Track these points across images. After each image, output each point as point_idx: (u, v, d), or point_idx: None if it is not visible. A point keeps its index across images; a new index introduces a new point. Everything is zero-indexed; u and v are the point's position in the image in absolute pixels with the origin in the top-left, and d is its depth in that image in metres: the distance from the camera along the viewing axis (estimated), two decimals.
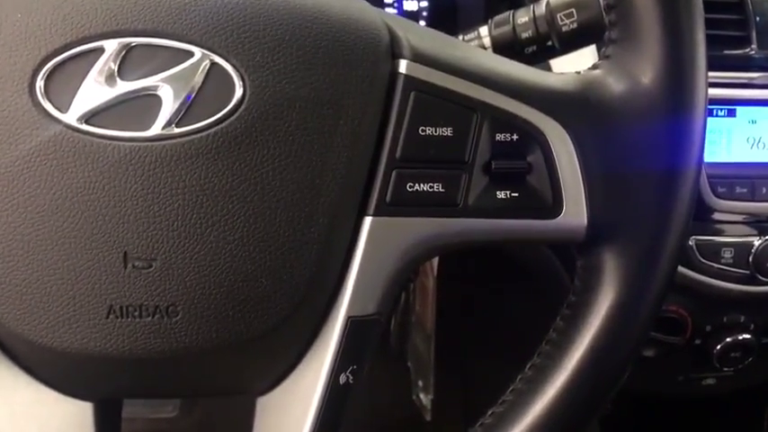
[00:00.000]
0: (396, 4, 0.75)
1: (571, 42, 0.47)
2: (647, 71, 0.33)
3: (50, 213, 0.29)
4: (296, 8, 0.31)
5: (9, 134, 0.29)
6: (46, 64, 0.29)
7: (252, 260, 0.30)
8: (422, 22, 0.75)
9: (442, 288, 0.72)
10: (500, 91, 0.32)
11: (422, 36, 0.34)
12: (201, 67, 0.29)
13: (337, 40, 0.31)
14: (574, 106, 0.33)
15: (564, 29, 0.46)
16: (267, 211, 0.30)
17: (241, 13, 0.30)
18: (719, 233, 0.64)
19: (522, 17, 0.47)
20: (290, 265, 0.30)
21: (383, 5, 0.75)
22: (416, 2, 0.75)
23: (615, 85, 0.33)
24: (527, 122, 0.32)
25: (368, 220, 0.32)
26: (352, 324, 0.32)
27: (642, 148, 0.33)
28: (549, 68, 0.57)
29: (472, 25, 0.60)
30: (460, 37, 0.50)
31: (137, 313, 0.30)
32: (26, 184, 0.29)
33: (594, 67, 0.35)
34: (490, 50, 0.48)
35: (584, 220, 0.33)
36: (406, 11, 0.75)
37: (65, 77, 0.29)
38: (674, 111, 0.33)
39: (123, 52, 0.29)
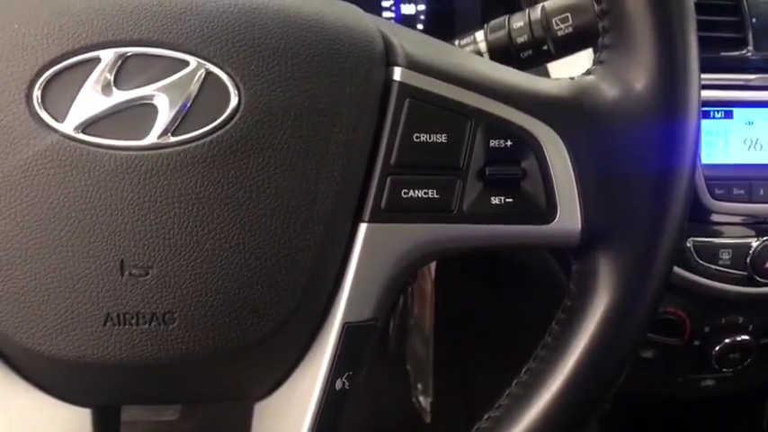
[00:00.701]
0: (393, 8, 0.75)
1: (567, 47, 0.47)
2: (640, 77, 0.33)
3: (47, 222, 0.29)
4: (291, 16, 0.31)
5: (6, 144, 0.29)
6: (43, 74, 0.29)
7: (248, 267, 0.30)
8: (419, 26, 0.75)
9: (441, 291, 0.73)
10: (494, 97, 0.33)
11: (416, 43, 0.34)
12: (197, 77, 0.30)
13: (332, 49, 0.31)
14: (567, 112, 0.33)
15: (559, 33, 0.46)
16: (263, 218, 0.30)
17: (236, 21, 0.30)
18: (717, 235, 0.64)
19: (518, 22, 0.47)
20: (285, 271, 0.31)
21: (381, 9, 0.75)
22: (414, 5, 0.75)
23: (609, 90, 0.34)
24: (521, 128, 0.33)
25: (363, 227, 0.32)
26: (348, 330, 0.32)
27: (635, 153, 0.33)
28: (546, 73, 0.58)
29: (469, 29, 0.60)
30: (456, 42, 0.50)
31: (134, 321, 0.30)
32: (23, 193, 0.29)
33: (588, 72, 0.35)
34: (486, 55, 0.48)
35: (579, 225, 0.33)
36: (404, 14, 0.75)
37: (61, 87, 0.29)
38: (667, 116, 0.33)
39: (119, 62, 0.29)
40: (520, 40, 0.47)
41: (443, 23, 0.75)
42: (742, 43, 0.66)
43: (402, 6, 0.75)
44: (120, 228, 0.29)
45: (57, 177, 0.29)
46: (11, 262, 0.30)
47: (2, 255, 0.30)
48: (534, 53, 0.47)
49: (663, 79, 0.33)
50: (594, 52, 0.54)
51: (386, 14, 0.75)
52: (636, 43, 0.33)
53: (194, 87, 0.29)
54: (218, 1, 0.31)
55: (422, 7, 0.75)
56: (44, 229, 0.29)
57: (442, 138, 0.32)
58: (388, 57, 0.32)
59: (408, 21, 0.75)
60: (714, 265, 0.64)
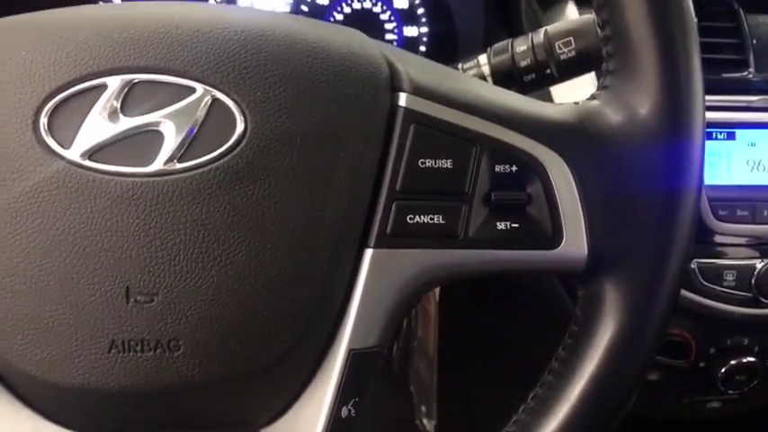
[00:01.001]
0: (396, 30, 0.76)
1: (569, 70, 0.47)
2: (644, 103, 0.33)
3: (53, 248, 0.29)
4: (296, 43, 0.31)
5: (13, 170, 0.29)
6: (50, 101, 0.29)
7: (254, 294, 0.30)
8: (422, 48, 0.76)
9: (445, 313, 0.72)
10: (499, 123, 0.33)
11: (421, 69, 0.34)
12: (203, 103, 0.30)
13: (338, 75, 0.31)
14: (572, 137, 0.33)
15: (562, 57, 0.46)
16: (268, 244, 0.30)
17: (242, 48, 0.30)
18: (721, 256, 0.64)
19: (521, 45, 0.47)
20: (291, 298, 0.31)
21: (383, 31, 0.75)
22: (416, 28, 0.75)
23: (613, 115, 0.34)
24: (526, 153, 0.33)
25: (369, 252, 0.32)
26: (354, 357, 0.32)
27: (640, 178, 0.33)
28: (549, 96, 0.58)
29: (472, 51, 0.60)
30: (459, 65, 0.50)
31: (139, 348, 0.30)
32: (29, 219, 0.29)
33: (592, 97, 0.36)
34: (489, 78, 0.48)
35: (585, 250, 0.33)
36: (406, 36, 0.75)
37: (68, 114, 0.29)
38: (671, 141, 0.33)
39: (126, 89, 0.30)
40: (523, 63, 0.47)
41: (446, 46, 0.75)
42: (743, 65, 0.67)
43: (404, 29, 0.75)
44: (126, 254, 0.29)
45: (63, 204, 0.29)
46: (15, 288, 0.29)
47: (7, 281, 0.30)
48: (537, 76, 0.47)
49: (667, 105, 0.33)
50: (597, 76, 0.54)
51: (388, 36, 0.75)
52: (640, 69, 0.33)
53: (200, 114, 0.30)
54: (224, 28, 0.31)
55: (424, 30, 0.75)
56: (49, 256, 0.29)
57: (448, 163, 0.32)
58: (393, 82, 0.32)
59: (411, 43, 0.75)
60: (719, 286, 0.63)
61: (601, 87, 0.35)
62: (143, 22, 0.31)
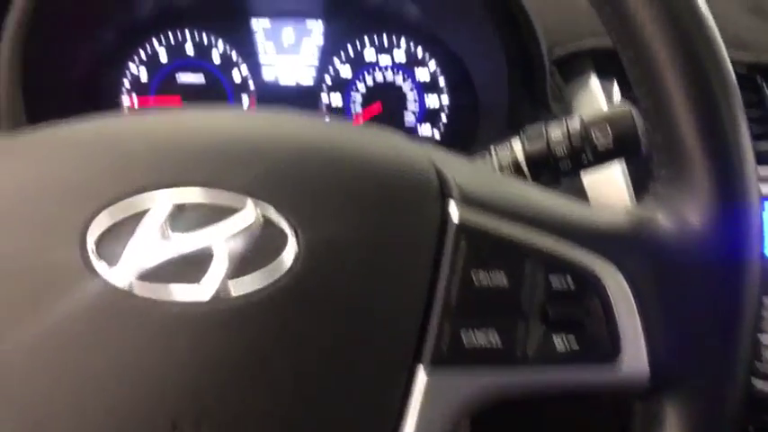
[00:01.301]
0: (417, 100, 0.76)
1: (606, 157, 0.47)
2: (698, 216, 0.32)
3: (95, 375, 0.28)
4: (345, 157, 0.31)
5: (58, 292, 0.28)
6: (97, 219, 0.29)
7: (303, 422, 0.29)
8: (444, 119, 0.76)
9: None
10: (553, 233, 0.32)
11: (469, 176, 0.33)
12: (253, 223, 0.29)
13: (387, 186, 0.31)
14: (627, 246, 0.33)
15: (599, 145, 0.46)
16: (318, 369, 0.29)
17: (291, 164, 0.30)
18: (759, 330, 0.62)
19: (555, 131, 0.47)
20: (342, 423, 0.29)
21: (405, 102, 0.75)
22: (438, 99, 0.76)
23: (665, 223, 0.33)
24: (582, 266, 0.32)
25: (422, 372, 0.30)
26: None
27: (699, 289, 0.32)
28: (579, 179, 0.57)
29: (494, 123, 0.60)
30: (492, 148, 0.50)
31: None
32: (73, 343, 0.28)
33: (643, 203, 0.35)
34: (524, 164, 0.48)
35: (646, 367, 0.32)
36: (429, 108, 0.75)
37: (116, 235, 0.29)
38: (728, 256, 0.32)
39: (175, 208, 0.29)
40: (558, 150, 0.47)
41: (468, 117, 0.75)
42: (767, 137, 0.66)
43: (426, 100, 0.75)
44: (172, 384, 0.28)
45: (108, 329, 0.28)
46: (54, 416, 0.28)
47: (42, 411, 0.28)
48: (573, 164, 0.47)
49: (722, 221, 0.32)
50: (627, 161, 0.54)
51: (410, 107, 0.76)
52: (694, 182, 0.32)
53: (252, 234, 0.29)
54: (271, 144, 0.30)
55: (446, 101, 0.75)
56: (92, 383, 0.28)
57: (502, 278, 0.31)
58: (443, 190, 0.32)
59: (432, 115, 0.75)
60: (757, 362, 0.62)
61: (652, 193, 0.35)
62: (191, 135, 0.31)
